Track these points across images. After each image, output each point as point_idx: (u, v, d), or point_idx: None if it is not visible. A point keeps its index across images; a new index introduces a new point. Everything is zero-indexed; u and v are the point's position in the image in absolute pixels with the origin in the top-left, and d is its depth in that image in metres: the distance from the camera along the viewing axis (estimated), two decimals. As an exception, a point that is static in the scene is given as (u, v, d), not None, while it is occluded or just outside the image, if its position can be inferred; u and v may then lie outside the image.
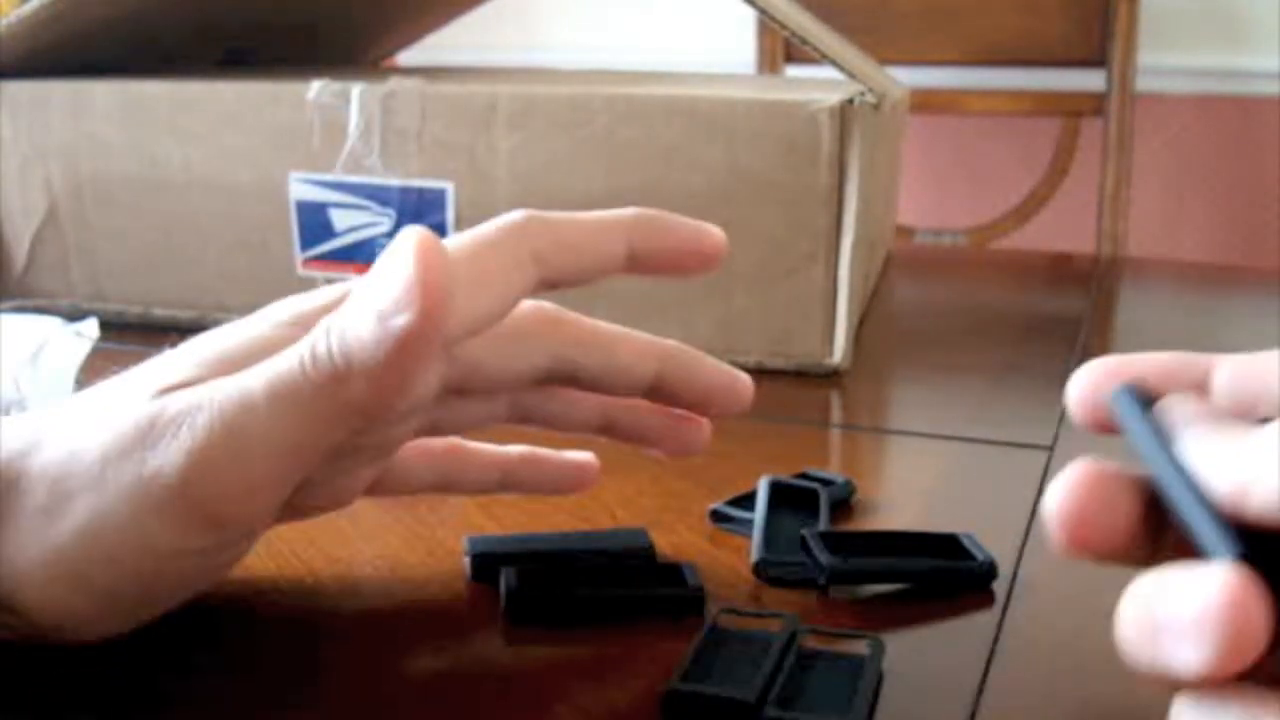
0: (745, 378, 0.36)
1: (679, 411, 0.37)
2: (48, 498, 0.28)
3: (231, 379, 0.28)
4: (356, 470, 0.32)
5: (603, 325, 0.35)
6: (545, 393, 0.36)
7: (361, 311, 0.27)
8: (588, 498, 0.42)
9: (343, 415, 0.28)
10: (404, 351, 0.26)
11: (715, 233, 0.34)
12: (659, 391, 0.35)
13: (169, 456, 0.27)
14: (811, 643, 0.32)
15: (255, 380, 0.28)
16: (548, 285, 0.32)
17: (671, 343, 0.36)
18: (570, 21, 2.07)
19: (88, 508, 0.28)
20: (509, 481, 0.37)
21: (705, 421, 0.37)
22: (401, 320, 0.26)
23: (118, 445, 0.28)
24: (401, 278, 0.26)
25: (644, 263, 0.33)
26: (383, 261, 0.27)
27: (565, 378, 0.35)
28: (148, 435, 0.28)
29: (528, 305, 0.35)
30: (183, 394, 0.28)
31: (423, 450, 0.36)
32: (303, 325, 0.30)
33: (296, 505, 0.31)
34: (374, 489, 0.35)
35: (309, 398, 0.27)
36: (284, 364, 0.27)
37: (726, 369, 0.36)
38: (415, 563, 0.37)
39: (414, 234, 0.26)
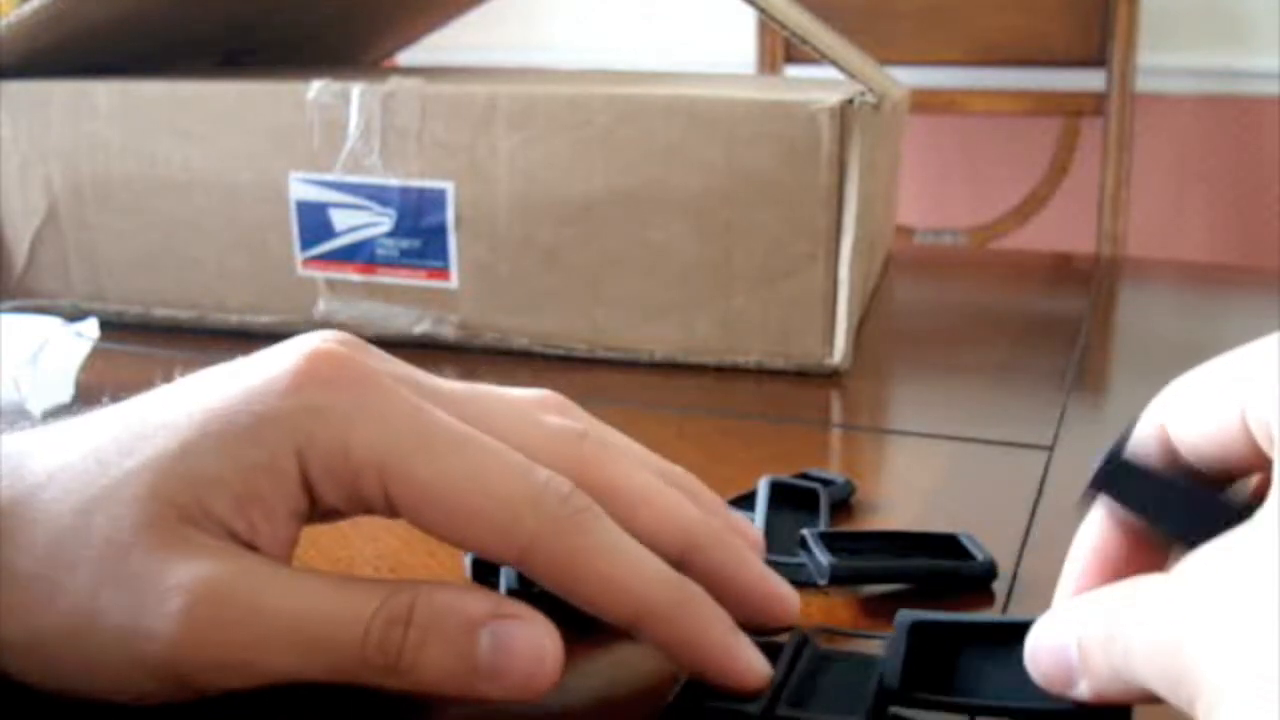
0: (791, 596, 0.31)
1: None
2: (37, 577, 0.27)
3: (270, 595, 0.27)
4: None
5: (632, 478, 0.31)
6: None
7: (450, 652, 0.27)
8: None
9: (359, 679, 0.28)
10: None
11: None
12: (682, 569, 0.30)
13: (167, 628, 0.26)
14: (826, 643, 0.31)
15: (296, 621, 0.27)
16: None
17: (705, 525, 0.31)
18: (570, 21, 2.07)
19: (70, 612, 0.27)
20: None
21: None
22: (482, 686, 0.27)
23: (116, 571, 0.27)
24: (520, 668, 0.27)
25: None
26: (500, 620, 0.27)
27: None
28: (156, 589, 0.27)
29: (559, 435, 0.31)
30: (210, 569, 0.27)
31: None
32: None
33: None
34: None
35: (346, 666, 0.27)
36: (342, 631, 0.27)
37: (769, 579, 0.31)
38: (415, 563, 0.37)
39: (553, 646, 0.27)
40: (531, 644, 0.27)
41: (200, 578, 0.27)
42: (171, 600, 0.27)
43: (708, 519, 0.31)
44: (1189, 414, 0.27)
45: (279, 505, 0.28)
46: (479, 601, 0.28)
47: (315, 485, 0.28)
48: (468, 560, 0.36)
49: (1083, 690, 0.25)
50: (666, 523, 0.31)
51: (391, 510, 0.28)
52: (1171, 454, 0.27)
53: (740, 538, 0.32)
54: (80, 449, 0.29)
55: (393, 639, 0.27)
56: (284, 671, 0.27)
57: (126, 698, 0.28)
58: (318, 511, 0.29)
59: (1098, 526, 0.29)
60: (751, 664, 0.29)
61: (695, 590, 0.29)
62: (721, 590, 0.30)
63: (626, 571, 0.28)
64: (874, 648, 0.31)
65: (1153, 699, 0.24)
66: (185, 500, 0.27)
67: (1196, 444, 0.26)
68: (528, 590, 0.34)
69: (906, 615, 0.29)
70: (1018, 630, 0.28)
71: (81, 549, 0.27)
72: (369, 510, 0.29)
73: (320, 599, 0.27)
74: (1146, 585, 0.24)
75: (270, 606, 0.27)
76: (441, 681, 0.27)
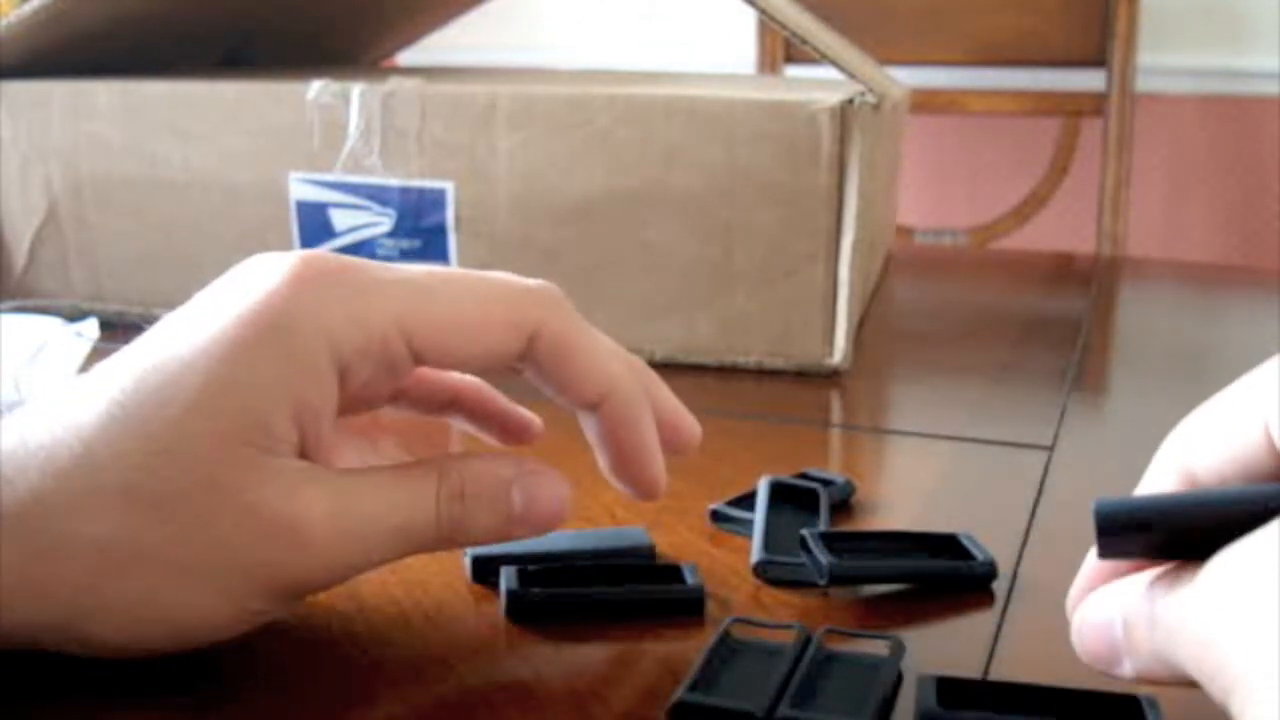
0: (694, 427, 0.36)
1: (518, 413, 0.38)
2: (116, 541, 0.28)
3: (357, 499, 0.30)
4: None
5: (580, 337, 0.33)
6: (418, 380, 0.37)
7: (495, 512, 0.32)
8: (588, 497, 0.42)
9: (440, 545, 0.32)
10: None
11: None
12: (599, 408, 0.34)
13: (296, 557, 0.29)
14: (830, 643, 0.31)
15: (384, 516, 0.30)
16: (523, 362, 0.33)
17: (627, 377, 0.34)
18: (570, 21, 2.07)
19: (160, 566, 0.28)
20: (458, 404, 0.37)
21: (535, 421, 0.38)
22: (519, 532, 0.32)
23: (215, 518, 0.28)
24: (544, 516, 0.32)
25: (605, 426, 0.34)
26: (523, 477, 0.32)
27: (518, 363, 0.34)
28: (273, 524, 0.29)
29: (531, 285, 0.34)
30: (314, 493, 0.29)
31: None
32: (360, 360, 0.30)
33: None
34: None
35: (424, 544, 0.31)
36: (420, 515, 0.31)
37: (677, 409, 0.35)
38: (415, 563, 0.37)
39: (567, 491, 0.33)
40: (551, 492, 0.32)
41: (311, 505, 0.29)
42: (293, 531, 0.29)
43: (632, 375, 0.34)
44: (1209, 440, 0.26)
45: (324, 406, 0.30)
46: (507, 465, 0.32)
47: (348, 370, 0.30)
48: (468, 560, 0.36)
49: (1126, 669, 0.26)
50: (607, 362, 0.34)
51: (418, 358, 0.31)
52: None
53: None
54: (97, 410, 0.29)
55: (455, 513, 0.31)
56: (383, 562, 0.31)
57: (201, 639, 0.29)
58: (344, 398, 0.31)
59: None
60: (662, 468, 0.34)
61: (645, 382, 0.34)
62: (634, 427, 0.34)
63: (605, 354, 0.33)
64: (876, 648, 0.31)
65: (1193, 683, 0.24)
66: (254, 433, 0.29)
67: (1219, 468, 0.26)
68: (527, 590, 0.34)
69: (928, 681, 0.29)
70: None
71: (164, 505, 0.28)
72: (396, 373, 0.31)
73: (396, 494, 0.31)
74: (1187, 576, 0.24)
75: (369, 513, 0.30)
76: (487, 536, 0.32)
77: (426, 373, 0.37)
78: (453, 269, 0.33)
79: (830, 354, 0.58)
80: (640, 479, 0.34)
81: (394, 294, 0.30)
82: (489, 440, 0.38)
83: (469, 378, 0.37)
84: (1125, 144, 1.57)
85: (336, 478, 0.30)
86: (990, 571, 0.36)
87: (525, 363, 0.33)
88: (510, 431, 0.38)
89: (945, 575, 0.36)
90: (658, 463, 0.34)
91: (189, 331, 0.29)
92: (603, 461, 0.34)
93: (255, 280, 0.30)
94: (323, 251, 0.31)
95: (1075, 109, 1.63)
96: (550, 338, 0.32)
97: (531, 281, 0.33)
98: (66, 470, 0.28)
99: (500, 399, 0.38)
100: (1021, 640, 0.33)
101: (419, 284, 0.31)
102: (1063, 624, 0.34)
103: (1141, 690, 0.29)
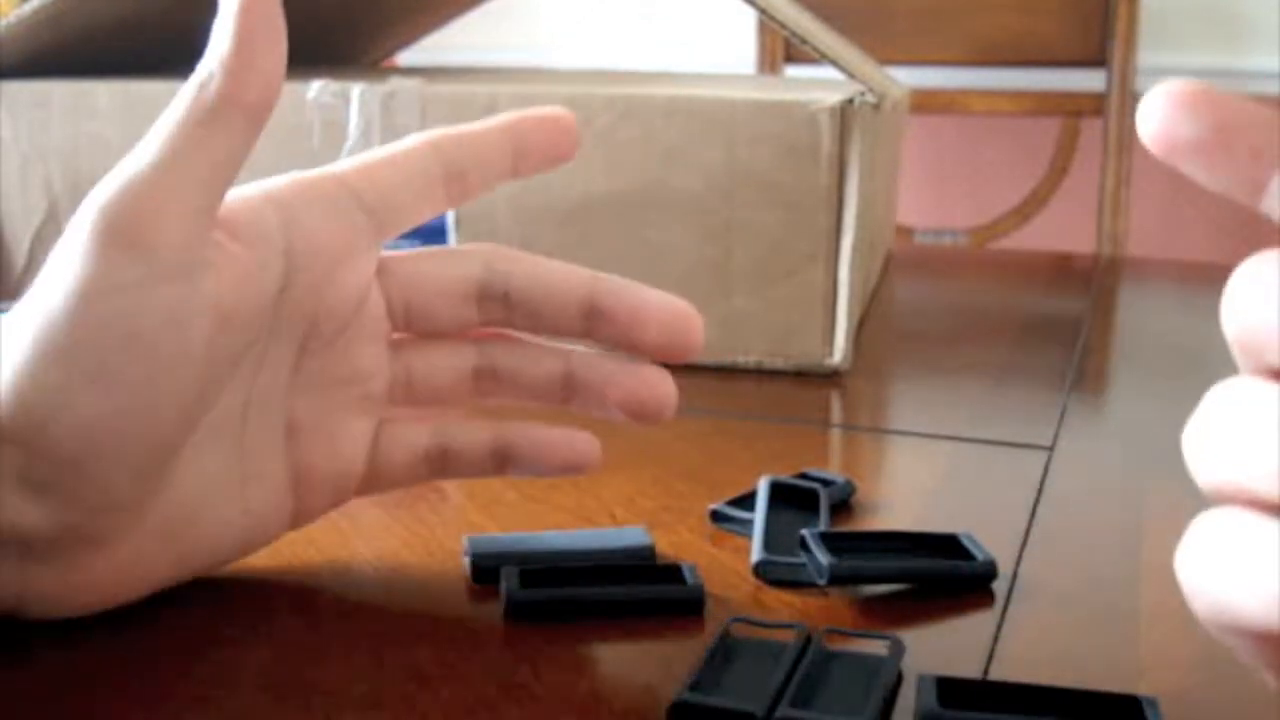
0: (693, 314, 0.36)
1: (639, 362, 0.36)
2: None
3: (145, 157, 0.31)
4: (346, 419, 0.35)
5: (541, 256, 0.36)
6: (506, 343, 0.36)
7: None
8: (588, 497, 0.42)
9: (218, 113, 0.32)
10: (247, 24, 0.33)
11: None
12: (596, 317, 0.35)
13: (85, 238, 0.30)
14: (830, 643, 0.31)
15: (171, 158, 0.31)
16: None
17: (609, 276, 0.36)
18: (570, 21, 2.07)
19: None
20: (505, 448, 0.36)
21: (667, 376, 0.35)
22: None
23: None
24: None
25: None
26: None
27: (498, 294, 0.35)
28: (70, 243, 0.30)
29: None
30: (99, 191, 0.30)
31: (418, 414, 0.36)
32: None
33: (299, 471, 0.34)
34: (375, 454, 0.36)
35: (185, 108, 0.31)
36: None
37: (670, 299, 0.36)
38: (415, 563, 0.37)
39: None
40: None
41: (94, 196, 0.30)
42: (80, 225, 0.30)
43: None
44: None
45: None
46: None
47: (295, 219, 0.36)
48: (467, 560, 0.36)
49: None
50: (574, 269, 0.36)
51: (380, 228, 0.38)
52: None
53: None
54: None
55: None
56: (171, 157, 0.31)
57: (150, 389, 0.30)
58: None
59: None
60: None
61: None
62: (629, 304, 0.35)
63: (571, 265, 0.35)
64: (876, 648, 0.31)
65: None
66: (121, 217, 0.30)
67: None
68: (528, 591, 0.34)
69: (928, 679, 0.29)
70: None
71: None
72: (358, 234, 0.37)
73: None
74: None
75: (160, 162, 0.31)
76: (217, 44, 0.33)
77: (470, 430, 0.36)
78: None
79: (830, 354, 0.58)
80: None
81: None
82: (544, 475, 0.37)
83: (513, 427, 0.36)
84: (1125, 144, 1.57)
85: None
86: (990, 571, 0.36)
87: (506, 312, 0.35)
88: (558, 463, 0.36)
89: (945, 575, 0.36)
90: (682, 307, 0.35)
91: None
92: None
93: None
94: None
95: (1075, 109, 1.63)
96: (512, 260, 0.35)
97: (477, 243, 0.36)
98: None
99: (550, 434, 0.36)
100: (1021, 640, 0.33)
101: None
102: (1063, 624, 0.34)
103: (1141, 690, 0.29)
